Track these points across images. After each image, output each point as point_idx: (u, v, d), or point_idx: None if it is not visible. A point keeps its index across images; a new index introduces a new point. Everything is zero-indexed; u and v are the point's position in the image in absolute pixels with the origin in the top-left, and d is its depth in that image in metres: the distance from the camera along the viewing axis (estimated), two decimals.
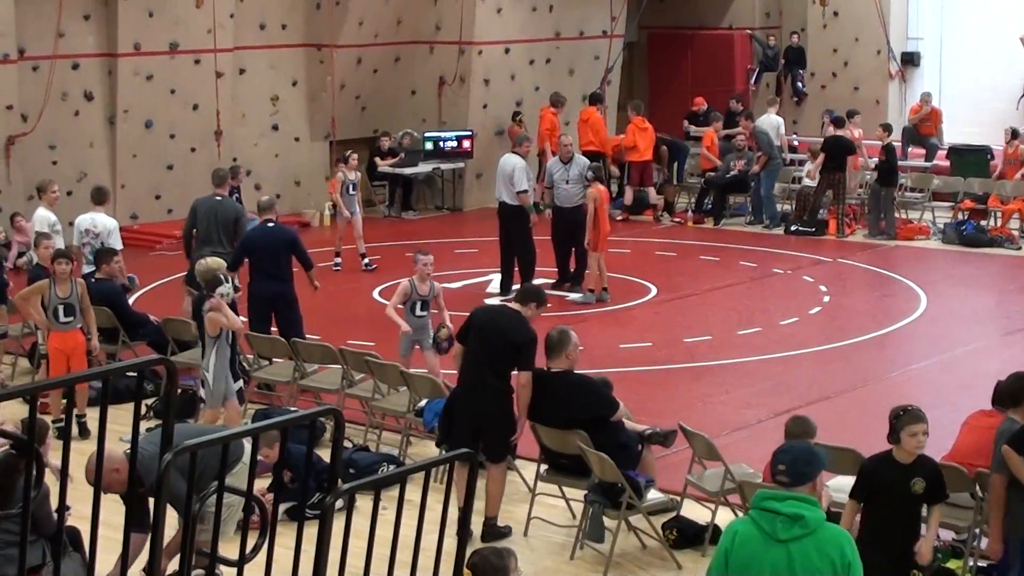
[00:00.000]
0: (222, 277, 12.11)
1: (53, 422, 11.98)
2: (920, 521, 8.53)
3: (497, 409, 10.53)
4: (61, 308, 12.95)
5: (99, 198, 16.00)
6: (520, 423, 10.58)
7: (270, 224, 14.90)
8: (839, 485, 10.18)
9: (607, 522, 10.35)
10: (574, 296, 18.17)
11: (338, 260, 20.47)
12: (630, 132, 24.04)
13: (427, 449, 12.49)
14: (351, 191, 20.48)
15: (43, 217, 15.98)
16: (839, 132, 23.06)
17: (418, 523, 4.87)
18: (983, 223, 22.39)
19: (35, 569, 7.43)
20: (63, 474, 4.63)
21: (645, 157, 24.01)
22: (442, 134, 25.55)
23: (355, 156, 21.01)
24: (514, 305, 10.93)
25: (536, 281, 16.60)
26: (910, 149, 25.73)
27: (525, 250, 18.26)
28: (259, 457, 5.19)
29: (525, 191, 18.25)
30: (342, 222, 20.64)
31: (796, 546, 5.73)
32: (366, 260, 20.52)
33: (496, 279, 18.74)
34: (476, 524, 10.34)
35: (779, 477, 5.93)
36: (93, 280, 14.45)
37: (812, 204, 22.83)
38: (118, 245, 15.63)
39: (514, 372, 10.56)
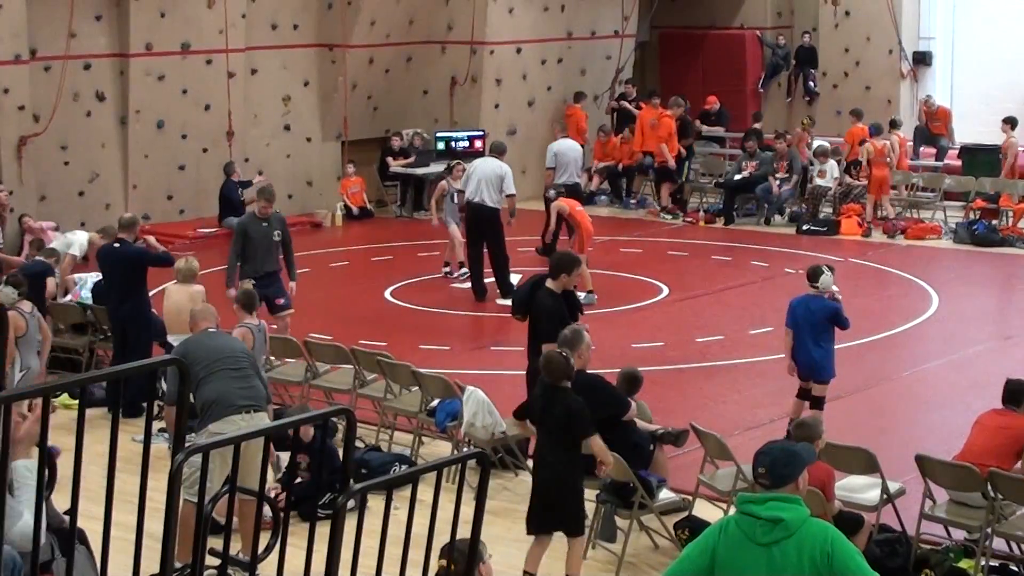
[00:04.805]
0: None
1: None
2: None
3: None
4: None
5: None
6: None
7: (116, 245, 13.92)
8: (850, 485, 10.18)
9: (619, 522, 10.37)
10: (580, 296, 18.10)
11: (464, 270, 19.49)
12: None
13: (439, 449, 12.51)
14: (454, 200, 19.59)
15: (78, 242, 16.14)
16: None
17: (430, 523, 4.88)
18: (995, 222, 22.33)
19: (45, 565, 7.44)
20: (76, 472, 4.64)
21: None
22: (454, 134, 25.56)
23: (461, 165, 19.94)
24: (548, 282, 11.75)
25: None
26: (921, 149, 25.66)
27: (500, 252, 18.42)
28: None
29: (514, 195, 18.60)
30: (455, 231, 19.58)
31: (777, 549, 5.63)
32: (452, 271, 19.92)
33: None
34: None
35: (760, 480, 5.85)
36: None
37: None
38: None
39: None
